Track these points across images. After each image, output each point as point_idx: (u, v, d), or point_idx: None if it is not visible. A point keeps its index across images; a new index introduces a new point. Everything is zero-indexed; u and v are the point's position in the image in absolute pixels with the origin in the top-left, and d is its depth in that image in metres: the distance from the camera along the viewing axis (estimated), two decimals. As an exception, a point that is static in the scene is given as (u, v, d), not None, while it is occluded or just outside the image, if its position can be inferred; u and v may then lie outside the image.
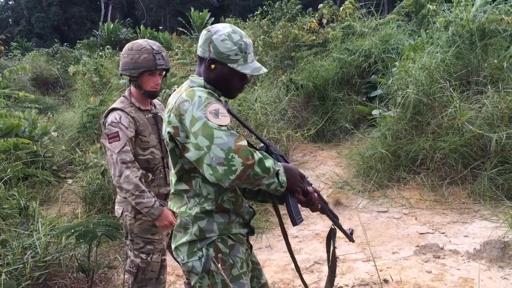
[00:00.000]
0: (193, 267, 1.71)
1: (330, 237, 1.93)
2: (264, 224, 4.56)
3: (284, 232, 1.94)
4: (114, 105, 2.62)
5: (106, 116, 2.60)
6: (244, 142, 1.55)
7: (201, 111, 1.58)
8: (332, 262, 1.93)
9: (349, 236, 2.00)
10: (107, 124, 2.54)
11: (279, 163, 1.66)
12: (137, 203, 2.47)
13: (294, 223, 1.76)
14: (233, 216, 1.76)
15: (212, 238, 1.71)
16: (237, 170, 1.51)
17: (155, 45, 2.60)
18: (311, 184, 1.85)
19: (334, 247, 1.91)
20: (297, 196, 1.75)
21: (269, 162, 1.58)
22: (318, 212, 1.90)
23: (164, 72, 2.68)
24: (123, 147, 2.48)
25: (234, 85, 1.78)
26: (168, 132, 1.68)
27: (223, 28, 1.74)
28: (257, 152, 1.58)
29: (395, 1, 9.78)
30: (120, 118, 2.53)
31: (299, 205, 1.84)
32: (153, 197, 2.51)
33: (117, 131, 2.50)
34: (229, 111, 1.69)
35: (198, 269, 1.70)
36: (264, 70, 1.78)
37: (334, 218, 1.95)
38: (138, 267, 2.61)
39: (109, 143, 2.50)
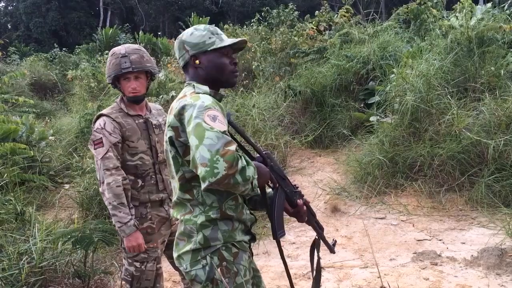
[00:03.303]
0: (197, 275, 1.69)
1: (314, 248, 1.93)
2: (262, 230, 4.55)
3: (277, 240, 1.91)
4: (102, 111, 2.63)
5: (94, 122, 2.61)
6: (233, 147, 1.51)
7: (199, 113, 1.58)
8: (317, 272, 1.93)
9: (331, 248, 2.02)
10: (93, 130, 2.56)
11: (253, 163, 1.63)
12: (112, 214, 2.43)
13: (275, 236, 1.75)
14: (236, 223, 1.75)
15: (216, 246, 1.69)
16: (218, 174, 1.45)
17: (129, 48, 2.56)
18: (303, 196, 1.87)
19: (319, 258, 1.91)
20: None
21: (250, 171, 1.55)
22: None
23: (149, 76, 2.65)
24: (105, 153, 2.46)
25: (226, 67, 1.80)
26: (170, 137, 1.69)
27: (187, 29, 1.84)
28: (242, 158, 1.54)
29: (394, 8, 9.80)
30: (104, 124, 2.53)
31: (287, 216, 1.86)
32: (131, 215, 2.45)
33: (101, 137, 2.49)
34: (230, 123, 1.70)
35: (201, 278, 1.68)
36: (243, 38, 1.87)
37: (319, 230, 1.96)
38: (132, 275, 2.59)
39: (94, 149, 2.51)
